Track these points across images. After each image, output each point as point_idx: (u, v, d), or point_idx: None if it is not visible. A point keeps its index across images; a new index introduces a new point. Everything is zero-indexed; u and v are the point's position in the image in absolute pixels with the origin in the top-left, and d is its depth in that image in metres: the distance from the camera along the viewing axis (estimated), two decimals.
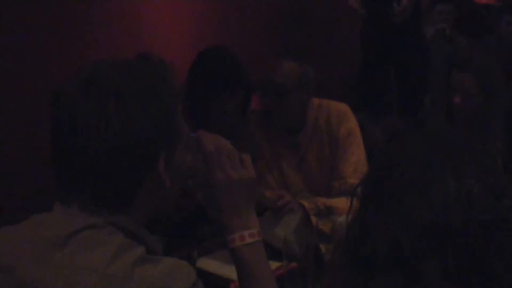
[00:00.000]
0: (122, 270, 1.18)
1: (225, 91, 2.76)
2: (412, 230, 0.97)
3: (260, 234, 1.48)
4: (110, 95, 1.23)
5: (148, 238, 1.29)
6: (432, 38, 5.51)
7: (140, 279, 1.17)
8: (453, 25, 5.68)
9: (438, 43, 5.47)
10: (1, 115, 3.28)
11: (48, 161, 1.30)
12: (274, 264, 2.27)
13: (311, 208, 2.58)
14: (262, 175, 2.88)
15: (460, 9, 6.01)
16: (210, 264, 2.32)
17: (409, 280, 0.96)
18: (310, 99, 2.87)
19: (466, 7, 6.56)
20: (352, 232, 1.07)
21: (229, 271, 2.00)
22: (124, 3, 3.87)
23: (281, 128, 2.89)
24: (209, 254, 2.41)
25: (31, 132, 2.99)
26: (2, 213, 3.10)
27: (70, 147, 1.24)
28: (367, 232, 1.02)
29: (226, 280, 2.18)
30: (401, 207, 0.99)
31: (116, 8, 3.81)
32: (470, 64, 3.00)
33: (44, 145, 1.31)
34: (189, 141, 1.41)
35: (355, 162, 2.82)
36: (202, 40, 4.22)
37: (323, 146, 2.89)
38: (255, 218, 1.48)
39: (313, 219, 2.54)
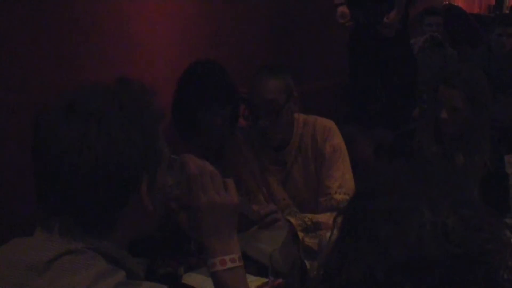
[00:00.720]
0: None
1: (214, 105, 2.77)
2: (386, 262, 0.96)
3: (241, 259, 1.49)
4: (92, 119, 1.25)
5: (129, 262, 1.30)
6: (421, 49, 5.54)
7: None
8: (443, 37, 5.72)
9: (427, 53, 5.50)
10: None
11: None
12: (260, 280, 2.29)
13: (298, 224, 2.60)
14: (251, 191, 2.90)
15: (450, 20, 6.05)
16: (196, 280, 2.33)
17: None
18: (296, 109, 2.89)
19: (457, 18, 6.62)
20: (330, 261, 1.07)
21: None
22: (115, 8, 3.89)
23: (271, 144, 2.90)
24: (195, 270, 2.42)
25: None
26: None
27: (52, 172, 1.25)
28: (343, 262, 1.02)
29: None
30: (377, 238, 0.99)
31: (107, 14, 3.83)
32: (458, 79, 3.01)
33: None
34: (170, 163, 1.42)
35: (340, 178, 2.83)
36: (193, 49, 4.26)
37: (308, 163, 2.91)
38: (236, 243, 1.49)
39: (300, 234, 2.55)
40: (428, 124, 3.21)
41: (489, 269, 0.96)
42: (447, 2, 8.18)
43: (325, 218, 2.65)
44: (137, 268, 1.31)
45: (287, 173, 2.93)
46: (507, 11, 8.82)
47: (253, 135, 2.92)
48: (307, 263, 2.27)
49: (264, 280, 2.27)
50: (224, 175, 2.93)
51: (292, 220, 2.61)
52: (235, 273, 1.46)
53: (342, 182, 2.83)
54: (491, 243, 0.97)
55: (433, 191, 1.01)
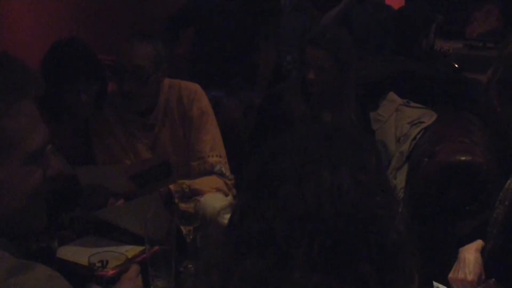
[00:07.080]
0: None
1: (79, 82, 2.79)
2: (284, 218, 1.03)
3: None
4: None
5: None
6: (288, 9, 5.62)
7: None
8: None
9: (292, 15, 5.59)
10: None
11: None
12: (136, 249, 2.33)
13: (177, 190, 2.67)
14: (119, 159, 2.93)
15: None
16: (70, 253, 2.35)
17: (279, 263, 1.02)
18: (163, 79, 2.94)
19: None
20: (233, 217, 1.12)
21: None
22: None
23: (135, 110, 2.93)
24: (69, 243, 2.44)
25: None
26: None
27: None
28: (245, 217, 1.08)
29: (88, 268, 2.20)
30: (277, 194, 1.05)
31: None
32: (323, 40, 3.14)
33: None
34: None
35: (211, 141, 2.94)
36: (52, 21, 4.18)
37: (176, 127, 2.97)
38: None
39: (175, 200, 2.61)
40: (295, 84, 3.33)
41: (379, 233, 1.04)
42: None
43: (202, 184, 2.75)
44: (9, 249, 1.27)
45: (155, 138, 2.97)
46: None
47: (118, 100, 2.93)
48: (183, 228, 2.33)
49: (140, 248, 2.33)
50: (91, 145, 2.95)
51: (172, 187, 2.69)
52: None
53: (213, 144, 2.93)
54: (383, 208, 1.05)
55: (334, 155, 1.08)
